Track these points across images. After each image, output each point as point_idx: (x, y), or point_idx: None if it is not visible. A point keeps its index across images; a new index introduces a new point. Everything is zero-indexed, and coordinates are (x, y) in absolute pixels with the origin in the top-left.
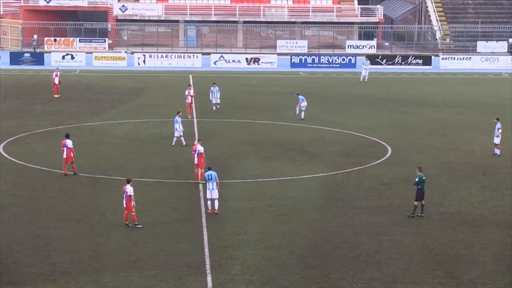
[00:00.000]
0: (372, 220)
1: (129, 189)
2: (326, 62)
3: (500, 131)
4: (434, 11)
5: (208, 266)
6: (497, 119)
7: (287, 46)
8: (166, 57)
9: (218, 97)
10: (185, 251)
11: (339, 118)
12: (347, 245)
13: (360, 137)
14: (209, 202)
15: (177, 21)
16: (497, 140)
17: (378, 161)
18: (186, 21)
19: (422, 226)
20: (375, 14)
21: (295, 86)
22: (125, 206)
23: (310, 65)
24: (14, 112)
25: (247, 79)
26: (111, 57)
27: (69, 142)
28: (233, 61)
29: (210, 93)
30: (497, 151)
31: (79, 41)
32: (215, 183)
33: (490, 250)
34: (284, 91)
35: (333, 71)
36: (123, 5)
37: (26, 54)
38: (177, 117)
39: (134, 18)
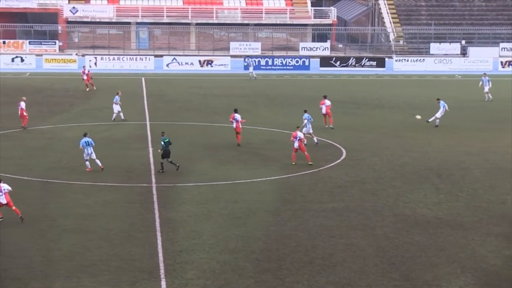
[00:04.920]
0: (327, 223)
1: (5, 186)
2: (280, 64)
3: (305, 122)
4: (388, 13)
5: (162, 271)
6: (305, 110)
7: (240, 48)
8: (118, 59)
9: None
10: (139, 255)
11: (292, 120)
12: (302, 249)
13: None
14: (87, 163)
15: (129, 23)
16: (304, 130)
17: (333, 164)
18: (138, 23)
19: (377, 229)
20: (329, 16)
21: (248, 89)
22: (5, 202)
23: (264, 67)
24: None
25: (200, 81)
26: (62, 59)
27: (237, 116)
28: (186, 63)
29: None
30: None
31: (29, 43)
32: (92, 148)
33: (445, 252)
34: (238, 94)
35: (286, 73)
36: (73, 7)
37: None
38: (117, 96)
39: (85, 20)
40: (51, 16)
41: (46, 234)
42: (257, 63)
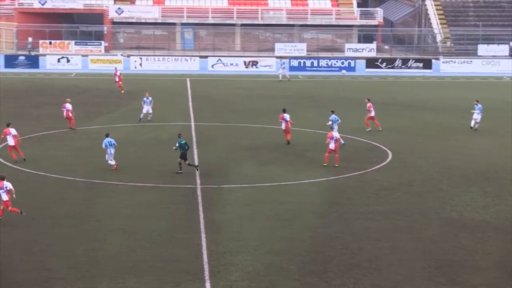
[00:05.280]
0: (373, 225)
1: (7, 184)
2: (325, 65)
3: (330, 123)
4: (435, 14)
5: (206, 272)
6: (332, 111)
7: (285, 49)
8: (163, 60)
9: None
10: (183, 257)
11: None
12: (348, 251)
13: (360, 141)
14: (110, 162)
15: (174, 24)
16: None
17: (379, 166)
18: (183, 24)
19: (424, 232)
20: (375, 17)
21: (293, 90)
22: (5, 200)
23: (309, 68)
24: (9, 116)
25: (245, 82)
26: (107, 60)
27: (286, 116)
28: (231, 64)
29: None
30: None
31: (75, 44)
32: (114, 148)
33: (493, 257)
34: (282, 95)
35: (332, 75)
36: (119, 8)
37: (20, 57)
38: (145, 98)
39: (130, 20)
40: (96, 17)
41: (90, 234)
42: (286, 65)
